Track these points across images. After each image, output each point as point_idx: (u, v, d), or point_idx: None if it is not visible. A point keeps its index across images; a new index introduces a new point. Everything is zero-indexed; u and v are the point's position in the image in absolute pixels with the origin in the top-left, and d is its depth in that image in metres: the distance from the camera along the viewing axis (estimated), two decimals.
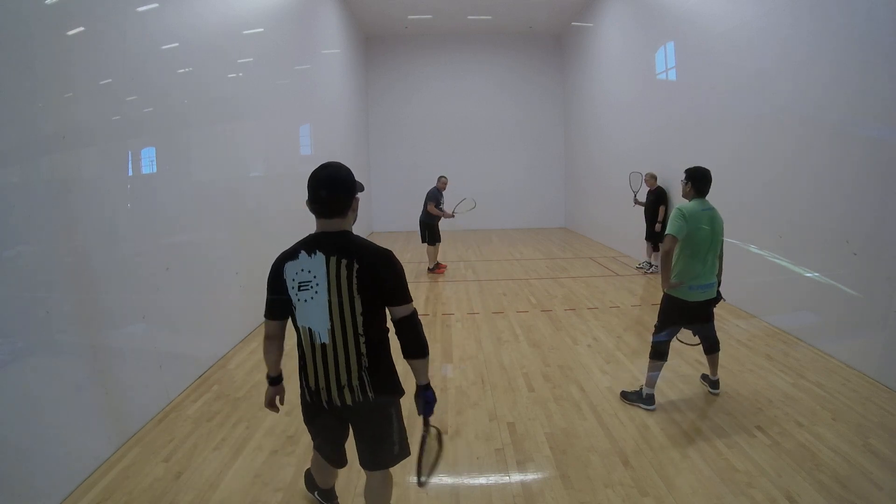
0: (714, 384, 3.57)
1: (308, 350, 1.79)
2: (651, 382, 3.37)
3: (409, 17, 12.10)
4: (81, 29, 2.87)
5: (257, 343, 4.78)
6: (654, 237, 7.35)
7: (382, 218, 13.91)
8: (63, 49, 2.74)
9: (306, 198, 1.74)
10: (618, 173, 9.62)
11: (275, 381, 1.99)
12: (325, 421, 1.91)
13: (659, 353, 3.37)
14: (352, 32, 11.62)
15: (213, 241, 4.55)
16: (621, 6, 9.40)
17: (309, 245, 1.74)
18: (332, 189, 1.72)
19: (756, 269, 5.33)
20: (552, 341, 4.70)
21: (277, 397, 2.02)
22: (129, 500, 2.51)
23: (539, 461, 2.80)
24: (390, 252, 1.84)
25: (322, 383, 1.79)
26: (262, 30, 5.84)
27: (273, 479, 2.66)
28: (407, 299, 1.84)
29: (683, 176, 3.36)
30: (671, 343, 3.42)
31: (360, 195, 1.83)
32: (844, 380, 3.69)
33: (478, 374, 3.98)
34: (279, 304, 1.78)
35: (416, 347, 1.81)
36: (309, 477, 2.40)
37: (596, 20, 10.83)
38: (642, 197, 7.64)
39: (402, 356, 1.84)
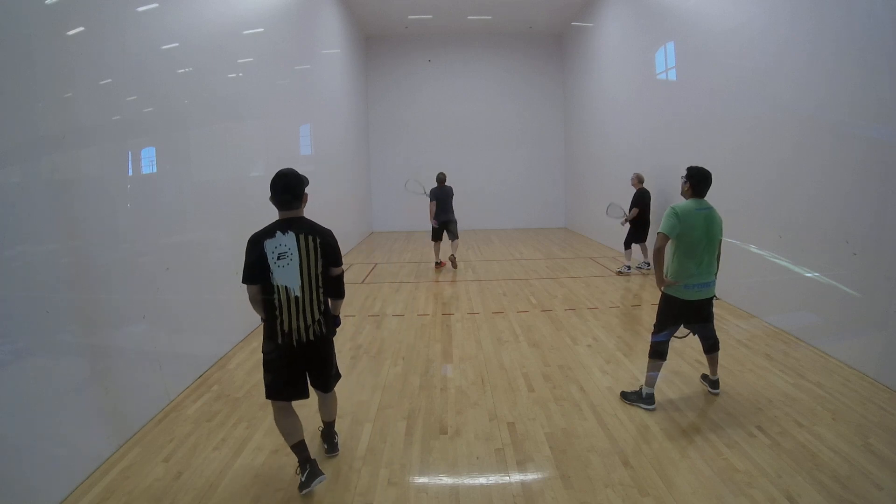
0: (714, 384, 3.57)
1: (284, 303, 2.44)
2: (651, 382, 3.38)
3: (409, 17, 12.10)
4: (81, 29, 2.87)
5: (257, 343, 4.75)
6: (636, 237, 7.45)
7: (382, 218, 13.91)
8: (63, 49, 2.74)
9: (270, 196, 2.46)
10: (618, 173, 9.61)
11: None
12: (290, 358, 2.51)
13: (658, 353, 3.38)
14: (352, 32, 11.62)
15: (213, 241, 4.55)
16: (621, 6, 9.40)
17: (282, 227, 2.45)
18: (292, 190, 2.47)
19: (756, 269, 5.33)
20: (552, 341, 4.70)
21: None
22: (129, 500, 2.51)
23: (539, 461, 2.80)
24: (331, 231, 2.59)
25: (294, 325, 2.46)
26: (262, 30, 5.84)
27: (273, 479, 2.66)
28: (341, 262, 2.62)
29: (684, 173, 3.37)
30: (671, 343, 3.43)
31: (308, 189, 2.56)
32: (844, 380, 3.69)
33: (478, 374, 3.98)
34: (259, 271, 2.41)
35: (340, 293, 2.69)
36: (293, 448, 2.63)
37: (596, 20, 10.83)
38: (627, 205, 7.64)
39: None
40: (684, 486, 2.53)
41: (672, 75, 7.38)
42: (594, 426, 3.15)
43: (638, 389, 3.46)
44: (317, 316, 2.50)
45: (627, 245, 7.60)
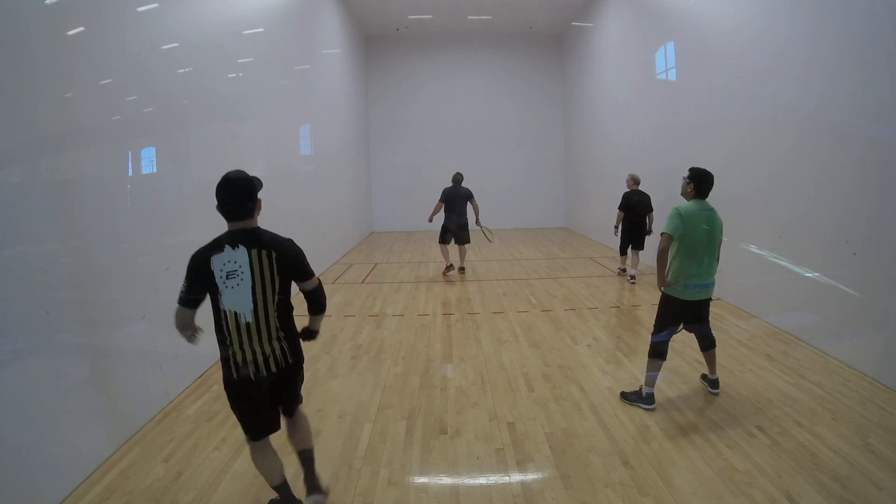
0: (714, 384, 3.57)
1: (234, 330, 2.05)
2: (651, 382, 3.38)
3: (409, 17, 12.10)
4: (81, 29, 2.87)
5: None
6: (627, 241, 7.03)
7: (382, 218, 13.91)
8: (63, 49, 2.74)
9: (216, 204, 2.06)
10: (618, 173, 9.60)
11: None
12: (253, 392, 2.13)
13: (658, 353, 3.39)
14: (352, 32, 11.62)
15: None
16: (621, 6, 9.40)
17: (231, 240, 2.03)
18: (243, 198, 2.05)
19: (756, 269, 5.33)
20: (552, 341, 4.70)
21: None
22: (129, 500, 2.51)
23: (539, 461, 2.80)
24: (292, 240, 2.18)
25: (249, 357, 2.07)
26: (262, 30, 5.84)
27: None
28: (311, 275, 2.23)
29: (687, 174, 3.38)
30: (671, 343, 3.44)
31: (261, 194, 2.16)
32: (844, 380, 3.69)
33: (478, 374, 3.98)
34: (202, 294, 2.06)
35: (320, 308, 2.30)
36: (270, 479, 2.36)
37: (596, 20, 10.83)
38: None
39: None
40: (684, 486, 2.53)
41: (672, 75, 7.38)
42: (594, 426, 3.15)
43: (637, 389, 3.47)
44: (275, 346, 2.10)
45: (622, 251, 7.19)
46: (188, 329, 2.14)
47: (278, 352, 2.11)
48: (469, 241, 7.71)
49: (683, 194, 3.41)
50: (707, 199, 3.33)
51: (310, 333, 2.35)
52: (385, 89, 13.71)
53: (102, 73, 3.06)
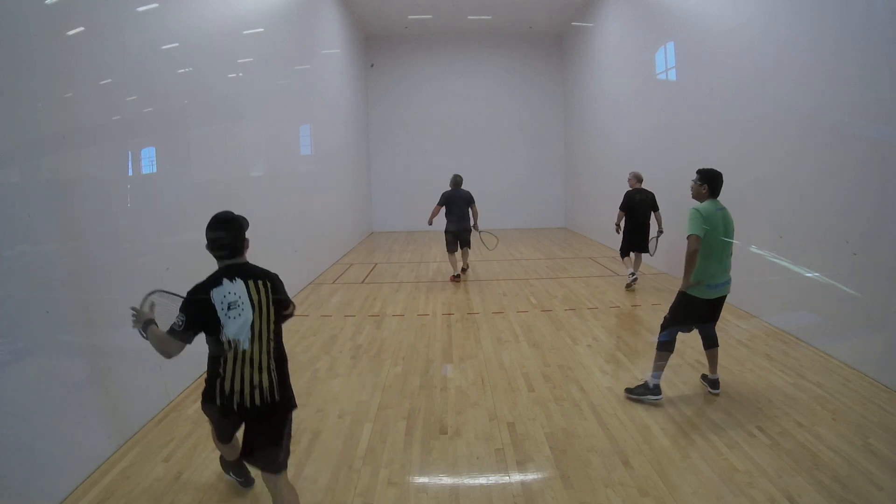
0: (714, 384, 3.57)
1: (231, 358, 2.08)
2: (655, 371, 3.43)
3: (409, 17, 12.10)
4: (81, 29, 2.87)
5: None
6: (629, 243, 6.57)
7: (382, 218, 13.91)
8: (63, 49, 2.74)
9: (207, 244, 2.21)
10: (618, 173, 9.59)
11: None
12: (229, 421, 2.28)
13: (668, 346, 3.44)
14: (352, 32, 11.62)
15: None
16: (621, 6, 9.40)
17: (229, 274, 2.13)
18: (236, 239, 2.19)
19: (756, 269, 5.32)
20: (552, 341, 4.70)
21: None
22: (129, 500, 2.51)
23: (539, 461, 2.80)
24: (275, 277, 2.28)
25: (237, 386, 2.06)
26: (262, 30, 5.84)
27: None
28: (291, 302, 2.34)
29: (696, 176, 3.43)
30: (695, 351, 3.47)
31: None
32: (844, 380, 3.69)
33: (478, 374, 3.98)
34: (198, 329, 2.09)
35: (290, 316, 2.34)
36: (222, 461, 2.60)
37: (596, 20, 10.83)
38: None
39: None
40: (684, 486, 2.53)
41: (672, 75, 7.38)
42: (594, 426, 3.15)
43: (642, 383, 3.47)
44: (264, 377, 2.08)
45: (623, 253, 6.72)
46: (170, 357, 2.15)
47: (266, 384, 2.08)
48: (470, 246, 7.53)
49: (696, 196, 3.44)
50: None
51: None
52: (385, 89, 13.71)
53: (102, 73, 3.05)
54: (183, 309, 2.08)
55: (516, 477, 2.67)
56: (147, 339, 2.19)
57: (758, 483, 2.53)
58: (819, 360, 4.06)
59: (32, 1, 2.57)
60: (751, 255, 5.32)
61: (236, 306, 2.08)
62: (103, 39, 3.07)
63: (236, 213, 2.25)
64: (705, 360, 4.08)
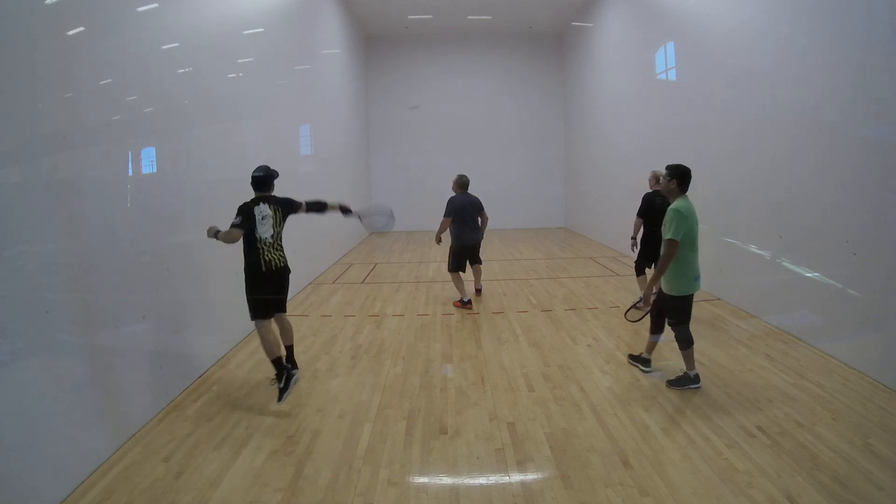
0: (646, 362, 3.91)
1: (262, 247, 3.60)
2: (692, 365, 3.60)
3: (409, 17, 12.10)
4: (81, 29, 2.87)
5: (257, 343, 4.77)
6: (645, 257, 5.44)
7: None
8: (63, 49, 2.74)
9: (251, 181, 3.70)
10: (618, 173, 9.61)
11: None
12: (267, 283, 3.65)
13: (689, 341, 3.57)
14: (352, 32, 11.62)
15: (213, 241, 4.54)
16: (621, 6, 9.40)
17: (263, 200, 3.65)
18: (265, 182, 3.72)
19: (756, 269, 5.32)
20: (552, 341, 4.70)
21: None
22: (129, 500, 2.51)
23: (539, 461, 2.80)
24: (289, 198, 3.85)
25: (268, 259, 3.62)
26: (262, 30, 5.84)
27: (273, 479, 2.66)
28: (299, 203, 3.89)
29: (665, 172, 3.52)
30: (667, 341, 3.60)
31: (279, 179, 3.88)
32: (844, 380, 3.69)
33: (478, 374, 3.98)
34: (246, 225, 3.51)
35: (321, 209, 4.01)
36: (274, 361, 3.66)
37: (596, 20, 10.83)
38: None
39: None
40: (684, 486, 2.53)
41: (672, 75, 7.38)
42: (594, 426, 3.15)
43: (681, 375, 3.63)
44: (278, 254, 3.69)
45: (638, 271, 5.58)
46: (234, 242, 3.50)
47: (279, 259, 3.69)
48: (482, 261, 6.25)
49: (666, 192, 3.55)
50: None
51: (344, 210, 4.08)
52: (385, 89, 13.71)
53: (102, 73, 3.05)
54: (239, 213, 3.51)
55: (516, 477, 2.67)
56: (218, 239, 3.54)
57: (758, 483, 2.53)
58: (819, 360, 4.06)
59: (32, 1, 2.57)
60: (751, 255, 5.32)
61: (266, 219, 3.60)
62: (103, 39, 3.07)
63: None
64: (705, 361, 4.12)
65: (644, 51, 8.31)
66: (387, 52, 13.56)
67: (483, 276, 6.62)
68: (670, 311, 3.58)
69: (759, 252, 5.23)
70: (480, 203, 5.89)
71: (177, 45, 3.89)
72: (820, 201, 4.39)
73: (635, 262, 5.59)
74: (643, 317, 3.92)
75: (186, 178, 4.12)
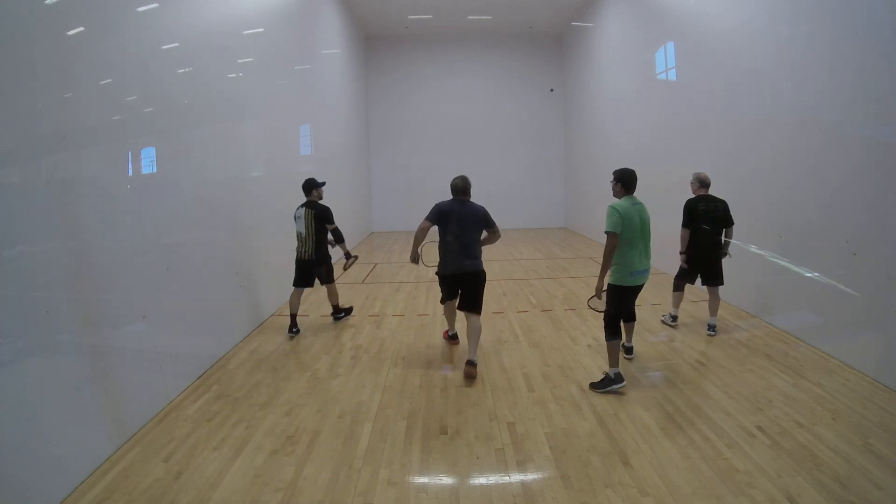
0: (628, 350, 4.15)
1: (298, 239, 5.01)
2: (615, 362, 3.66)
3: (409, 17, 12.10)
4: (81, 29, 2.87)
5: (258, 343, 4.78)
6: (690, 272, 4.87)
7: (382, 218, 13.92)
8: (63, 49, 2.74)
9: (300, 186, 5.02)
10: None
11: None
12: (299, 265, 5.05)
13: (616, 332, 3.68)
14: (352, 32, 11.62)
15: (213, 241, 4.55)
16: (621, 6, 9.40)
17: (303, 205, 5.01)
18: (306, 188, 5.12)
19: (756, 269, 5.33)
20: (552, 341, 4.70)
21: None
22: (129, 500, 2.51)
23: (539, 461, 2.80)
24: (326, 206, 5.07)
25: (301, 250, 5.00)
26: (262, 30, 5.84)
27: (273, 479, 2.66)
28: (331, 222, 5.05)
29: (612, 177, 3.77)
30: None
31: (324, 188, 5.25)
32: (844, 380, 3.69)
33: (478, 374, 3.97)
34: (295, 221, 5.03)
35: (338, 239, 5.16)
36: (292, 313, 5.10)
37: (596, 20, 10.84)
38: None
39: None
40: (684, 486, 2.53)
41: (672, 75, 7.38)
42: (594, 426, 3.15)
43: (603, 377, 3.67)
44: (310, 247, 4.97)
45: (676, 285, 5.02)
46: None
47: (309, 250, 4.99)
48: (480, 308, 4.17)
49: (615, 194, 3.76)
50: (635, 195, 3.72)
51: (346, 255, 5.30)
52: (385, 89, 13.72)
53: (102, 73, 3.06)
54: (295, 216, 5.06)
55: (516, 477, 2.67)
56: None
57: (758, 483, 2.53)
58: (819, 360, 4.06)
59: (32, 1, 2.57)
60: (751, 255, 5.32)
61: (299, 218, 4.99)
62: (103, 39, 3.07)
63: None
64: (705, 361, 4.12)
65: (644, 51, 8.31)
66: (387, 52, 13.56)
67: None
68: (607, 296, 3.73)
69: (759, 252, 5.23)
70: (485, 214, 4.10)
71: (177, 45, 3.89)
72: (820, 201, 4.39)
73: (676, 276, 4.98)
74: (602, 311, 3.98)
75: (186, 178, 4.12)
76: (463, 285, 4.17)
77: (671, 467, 2.70)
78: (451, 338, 4.73)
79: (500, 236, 4.36)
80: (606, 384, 3.60)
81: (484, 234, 4.20)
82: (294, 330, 4.94)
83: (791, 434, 2.98)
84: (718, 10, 6.00)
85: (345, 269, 5.38)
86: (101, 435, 2.88)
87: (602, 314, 3.80)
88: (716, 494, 2.46)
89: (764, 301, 5.20)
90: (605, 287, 3.68)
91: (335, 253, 5.35)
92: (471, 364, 3.93)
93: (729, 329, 4.90)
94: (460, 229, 4.02)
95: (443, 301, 4.47)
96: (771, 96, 5.02)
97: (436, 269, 4.25)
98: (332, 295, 5.36)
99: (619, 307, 3.71)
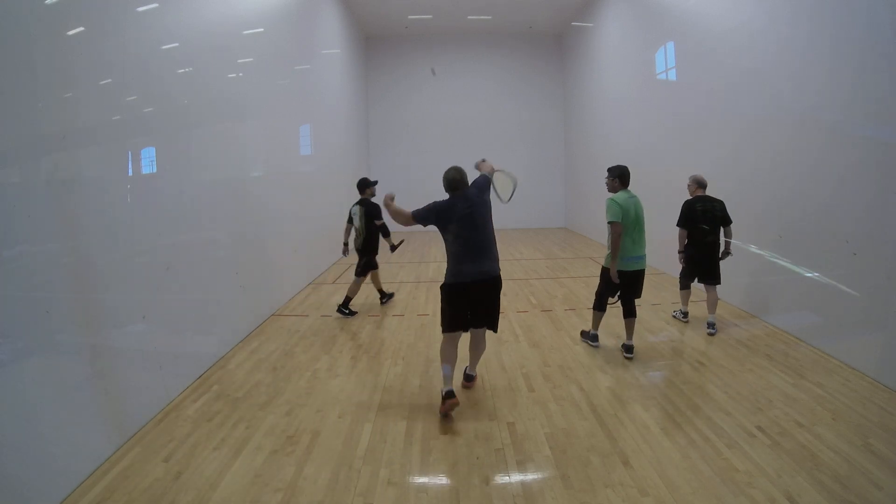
0: (628, 349, 4.23)
1: (354, 230, 5.72)
2: (596, 326, 4.51)
3: (409, 17, 12.10)
4: (81, 29, 2.87)
5: (258, 343, 4.78)
6: (692, 270, 4.98)
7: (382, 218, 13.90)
8: (63, 49, 2.74)
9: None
10: None
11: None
12: (358, 254, 5.75)
13: (600, 307, 4.42)
14: (352, 32, 11.62)
15: (213, 241, 4.55)
16: (621, 6, 9.40)
17: (358, 202, 5.68)
18: (359, 187, 5.75)
19: (756, 269, 5.33)
20: (552, 341, 4.70)
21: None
22: (129, 500, 2.51)
23: (539, 461, 2.80)
24: (376, 204, 5.54)
25: (356, 242, 5.73)
26: (262, 30, 5.84)
27: (273, 479, 2.66)
28: (380, 218, 5.66)
29: (608, 173, 4.24)
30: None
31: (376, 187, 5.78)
32: (844, 380, 3.69)
33: (478, 374, 3.97)
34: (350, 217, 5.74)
35: (385, 233, 5.77)
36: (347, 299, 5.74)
37: (596, 20, 10.84)
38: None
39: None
40: (684, 486, 2.53)
41: (672, 75, 7.38)
42: (594, 426, 3.15)
43: (586, 332, 4.58)
44: (362, 238, 5.65)
45: (681, 283, 5.17)
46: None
47: (360, 242, 5.66)
48: (497, 325, 3.52)
49: (611, 189, 4.21)
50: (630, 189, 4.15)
51: (391, 247, 5.97)
52: (385, 89, 13.71)
53: (102, 73, 3.06)
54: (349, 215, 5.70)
55: (516, 477, 2.67)
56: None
57: (758, 483, 2.53)
58: (819, 360, 4.06)
59: (32, 1, 2.57)
60: (751, 255, 5.32)
61: (355, 214, 5.63)
62: (103, 39, 3.07)
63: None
64: (706, 361, 4.12)
65: (644, 51, 8.31)
66: (387, 52, 13.56)
67: None
68: (601, 276, 4.33)
69: (759, 252, 5.23)
70: (486, 189, 3.57)
71: (177, 45, 3.89)
72: (820, 201, 4.39)
73: (680, 275, 5.12)
74: (615, 301, 4.38)
75: (186, 178, 4.11)
76: (481, 297, 3.35)
77: (671, 467, 2.70)
78: (447, 395, 3.24)
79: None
80: (584, 336, 4.61)
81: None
82: (347, 312, 5.67)
83: (791, 434, 2.98)
84: (718, 10, 6.00)
85: (392, 251, 6.04)
86: (101, 435, 2.87)
87: (615, 304, 4.39)
88: (716, 494, 2.46)
89: (764, 301, 5.20)
90: (615, 272, 4.13)
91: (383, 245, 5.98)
92: (470, 378, 3.67)
93: (729, 329, 4.90)
94: (472, 227, 3.32)
95: (448, 329, 3.37)
96: (771, 96, 5.02)
97: (511, 193, 3.70)
98: (353, 287, 5.73)
99: (607, 288, 4.28)
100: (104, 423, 2.91)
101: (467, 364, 3.77)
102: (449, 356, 3.37)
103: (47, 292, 2.57)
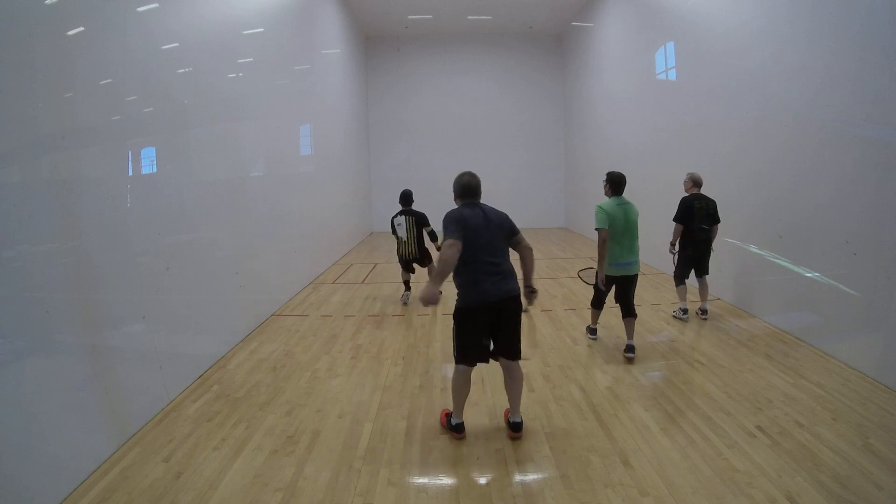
0: (629, 348, 4.22)
1: (402, 244, 5.98)
2: (594, 322, 4.71)
3: (409, 17, 12.10)
4: (81, 29, 2.87)
5: (258, 343, 4.78)
6: (686, 266, 5.21)
7: (382, 218, 13.85)
8: (63, 49, 2.74)
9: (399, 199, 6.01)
10: None
11: None
12: (403, 262, 6.13)
13: (597, 305, 4.58)
14: (352, 32, 11.62)
15: (214, 241, 4.55)
16: (621, 6, 9.40)
17: (402, 213, 5.95)
18: (405, 201, 6.03)
19: (756, 269, 5.32)
20: (552, 341, 4.70)
21: None
22: (129, 500, 2.51)
23: (539, 461, 2.80)
24: (423, 213, 5.94)
25: (404, 251, 6.01)
26: (262, 30, 5.84)
27: (273, 479, 2.66)
28: (427, 225, 5.91)
29: (605, 178, 4.27)
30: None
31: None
32: (844, 380, 3.69)
33: (478, 374, 3.97)
34: (393, 229, 5.99)
35: (432, 237, 5.90)
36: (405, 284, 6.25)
37: (596, 20, 10.83)
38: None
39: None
40: (684, 486, 2.53)
41: (672, 75, 7.38)
42: (594, 426, 3.15)
43: (589, 327, 4.75)
44: (413, 248, 5.92)
45: (678, 280, 5.27)
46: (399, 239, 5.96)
47: (413, 250, 5.94)
48: (520, 355, 3.07)
49: (606, 194, 4.26)
50: (623, 195, 4.21)
51: (437, 248, 5.03)
52: (385, 89, 13.71)
53: (102, 73, 3.06)
54: (392, 222, 5.96)
55: (516, 477, 2.67)
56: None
57: (758, 483, 2.53)
58: (819, 360, 4.06)
59: (32, 1, 2.57)
60: (751, 255, 5.32)
61: (401, 224, 5.89)
62: (103, 39, 3.07)
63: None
64: (706, 361, 4.12)
65: (644, 51, 8.31)
66: (387, 52, 13.55)
67: None
68: (596, 281, 4.39)
69: (759, 252, 5.23)
70: (510, 220, 3.16)
71: (177, 45, 3.89)
72: (820, 201, 4.39)
73: (675, 272, 5.24)
74: (591, 284, 4.58)
75: (186, 178, 4.12)
76: (502, 320, 2.93)
77: (671, 467, 2.70)
78: (456, 428, 3.04)
79: (529, 248, 3.20)
80: (588, 332, 4.80)
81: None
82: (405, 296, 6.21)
83: (791, 434, 2.98)
84: (718, 10, 6.00)
85: (438, 249, 6.33)
86: (101, 435, 2.88)
87: (591, 285, 4.55)
88: (716, 494, 2.46)
89: (764, 301, 5.20)
90: (603, 276, 4.25)
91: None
92: (518, 427, 3.00)
93: (729, 329, 4.90)
94: (491, 242, 2.94)
95: (466, 361, 2.97)
96: (770, 96, 5.02)
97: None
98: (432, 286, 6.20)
99: (604, 289, 4.39)
100: (104, 423, 2.91)
101: (507, 408, 3.16)
102: (463, 393, 2.99)
103: (47, 292, 2.57)
